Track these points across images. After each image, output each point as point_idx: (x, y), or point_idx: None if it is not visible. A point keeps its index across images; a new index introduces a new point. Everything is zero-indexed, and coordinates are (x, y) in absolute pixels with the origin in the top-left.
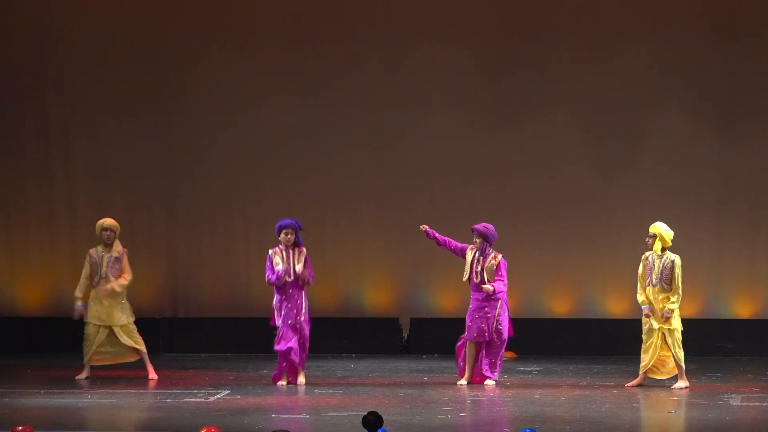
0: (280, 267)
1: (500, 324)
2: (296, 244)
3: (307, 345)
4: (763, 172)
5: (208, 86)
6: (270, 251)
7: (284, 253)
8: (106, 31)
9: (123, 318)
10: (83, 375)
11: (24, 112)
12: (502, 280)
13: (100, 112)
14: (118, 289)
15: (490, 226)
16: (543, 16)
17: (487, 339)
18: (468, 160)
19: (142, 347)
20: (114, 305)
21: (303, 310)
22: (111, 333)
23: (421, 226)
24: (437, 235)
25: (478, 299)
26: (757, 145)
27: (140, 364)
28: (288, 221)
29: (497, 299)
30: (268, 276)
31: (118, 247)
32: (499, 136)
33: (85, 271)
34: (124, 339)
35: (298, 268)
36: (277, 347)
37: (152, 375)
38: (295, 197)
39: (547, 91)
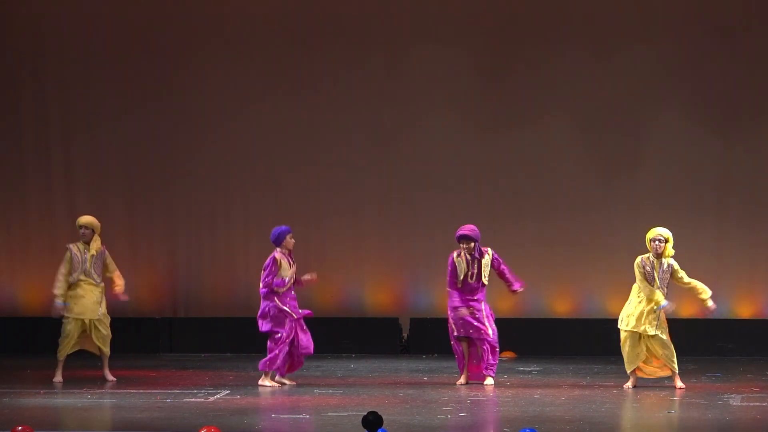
0: (286, 275)
1: (488, 320)
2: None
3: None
4: (763, 172)
5: (208, 85)
6: (277, 255)
7: (289, 258)
8: (104, 31)
9: (100, 310)
10: (58, 377)
11: (22, 112)
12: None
13: (99, 112)
14: (122, 290)
15: (473, 227)
16: (543, 17)
17: (476, 335)
18: (468, 160)
19: (106, 350)
20: (95, 300)
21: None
22: (84, 326)
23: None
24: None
25: (465, 298)
26: (757, 145)
27: (139, 364)
28: (287, 227)
29: (481, 300)
30: (269, 280)
31: (97, 244)
32: (499, 135)
33: (64, 268)
34: (94, 336)
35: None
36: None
37: (110, 377)
38: (295, 197)
39: (547, 91)
